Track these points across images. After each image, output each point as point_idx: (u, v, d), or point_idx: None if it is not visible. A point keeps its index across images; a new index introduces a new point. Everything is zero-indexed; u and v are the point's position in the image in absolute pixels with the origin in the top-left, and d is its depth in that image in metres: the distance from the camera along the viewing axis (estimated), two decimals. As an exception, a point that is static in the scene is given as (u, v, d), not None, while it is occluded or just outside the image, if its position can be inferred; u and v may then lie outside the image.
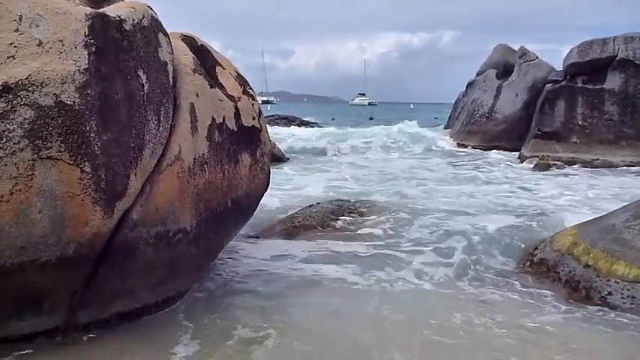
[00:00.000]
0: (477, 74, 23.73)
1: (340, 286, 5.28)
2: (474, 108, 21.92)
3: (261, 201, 5.27)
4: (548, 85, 17.32)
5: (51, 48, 3.17)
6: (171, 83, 3.97)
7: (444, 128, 26.20)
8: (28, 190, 3.07)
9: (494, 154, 17.93)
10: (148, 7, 3.92)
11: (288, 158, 16.10)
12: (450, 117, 26.15)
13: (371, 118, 53.88)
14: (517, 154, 17.39)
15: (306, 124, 33.30)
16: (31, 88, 3.05)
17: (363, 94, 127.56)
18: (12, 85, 3.00)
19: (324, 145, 19.36)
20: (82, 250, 3.35)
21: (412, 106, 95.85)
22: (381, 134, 22.89)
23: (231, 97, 4.62)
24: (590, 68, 16.05)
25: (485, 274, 5.65)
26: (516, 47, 22.27)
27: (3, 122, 2.98)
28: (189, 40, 4.60)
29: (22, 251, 3.13)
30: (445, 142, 21.87)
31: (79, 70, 3.24)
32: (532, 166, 14.94)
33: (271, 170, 5.49)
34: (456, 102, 25.50)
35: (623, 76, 15.43)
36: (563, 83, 16.73)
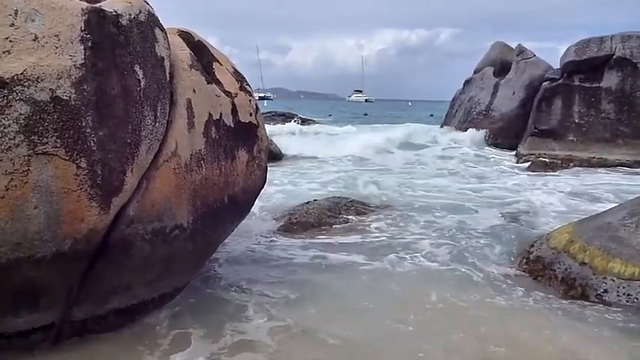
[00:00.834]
0: (475, 72, 23.75)
1: (347, 268, 5.52)
2: (471, 105, 21.95)
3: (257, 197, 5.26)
4: (546, 83, 17.36)
5: (47, 43, 3.15)
6: (167, 79, 3.96)
7: (441, 127, 26.19)
8: (24, 185, 3.05)
9: (490, 152, 18.00)
10: (145, 2, 3.90)
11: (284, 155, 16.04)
12: (447, 114, 26.15)
13: (365, 114, 54.16)
14: (514, 152, 17.46)
15: (304, 121, 33.29)
16: (26, 83, 3.03)
17: (360, 91, 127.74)
18: (7, 80, 2.98)
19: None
20: (78, 246, 3.33)
21: (410, 104, 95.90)
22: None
23: (228, 93, 4.61)
24: (587, 67, 16.08)
25: (481, 272, 5.64)
26: (514, 45, 22.31)
27: (-2, 117, 2.96)
28: (186, 36, 4.58)
29: (18, 247, 3.11)
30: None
31: (75, 65, 3.22)
32: (528, 164, 14.97)
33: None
34: (453, 99, 25.50)
35: (620, 74, 15.47)
36: (560, 81, 16.76)
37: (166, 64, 3.96)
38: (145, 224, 3.75)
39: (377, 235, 7.05)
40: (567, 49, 16.75)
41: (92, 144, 3.28)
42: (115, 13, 3.53)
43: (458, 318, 4.50)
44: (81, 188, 3.24)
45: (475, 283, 5.34)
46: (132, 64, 3.60)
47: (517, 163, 15.94)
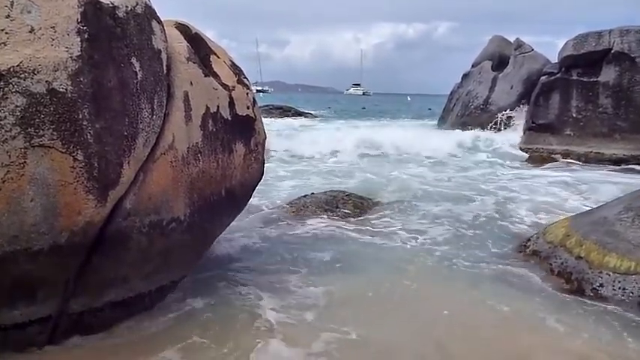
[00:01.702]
0: (473, 66, 23.74)
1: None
2: (469, 100, 21.95)
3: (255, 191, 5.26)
4: (543, 78, 17.35)
5: (43, 35, 3.13)
6: (164, 71, 3.94)
7: (439, 121, 26.18)
8: (20, 178, 3.05)
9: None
10: (142, -6, 3.88)
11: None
12: (444, 108, 26.15)
13: (363, 108, 54.25)
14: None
15: (302, 114, 33.29)
16: (22, 75, 3.02)
17: (358, 85, 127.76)
18: (3, 72, 2.96)
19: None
20: (75, 239, 3.33)
21: (409, 98, 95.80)
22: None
23: (225, 86, 4.59)
24: (585, 61, 16.07)
25: (476, 266, 5.67)
26: (512, 39, 22.29)
27: (-6, 109, 2.95)
28: (183, 28, 4.56)
29: (15, 240, 3.11)
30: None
31: (71, 57, 3.20)
32: (525, 158, 15.00)
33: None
34: (451, 94, 25.50)
35: (617, 69, 15.46)
36: (558, 76, 16.75)
37: (163, 56, 3.94)
38: (142, 217, 3.75)
39: (377, 225, 7.13)
40: (565, 44, 16.74)
41: (89, 136, 3.27)
42: (111, 5, 3.51)
43: (445, 303, 4.64)
44: (77, 181, 3.24)
45: (469, 276, 5.38)
46: (129, 56, 3.58)
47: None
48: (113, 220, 3.57)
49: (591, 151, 15.31)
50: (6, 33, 3.02)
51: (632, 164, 14.19)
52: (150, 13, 3.87)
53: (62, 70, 3.16)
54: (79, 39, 3.25)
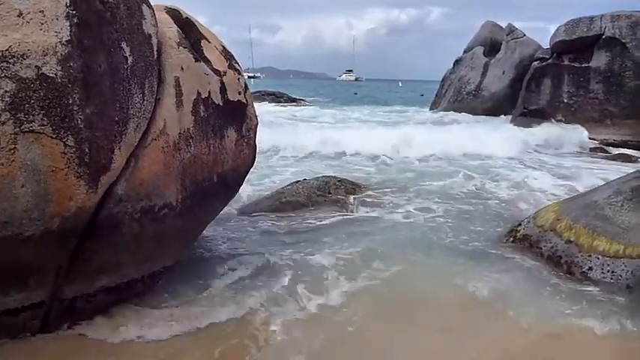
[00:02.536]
0: (465, 51, 23.76)
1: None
2: (461, 85, 21.99)
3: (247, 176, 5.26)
4: (535, 63, 17.40)
5: (32, 19, 3.10)
6: (155, 56, 3.92)
7: (431, 107, 26.20)
8: (11, 164, 3.03)
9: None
10: (132, -22, 3.84)
11: None
12: (437, 94, 26.15)
13: (355, 94, 54.34)
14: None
15: (294, 100, 33.16)
16: (11, 60, 2.99)
17: (351, 71, 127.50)
18: (-8, 57, 2.94)
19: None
20: (67, 225, 3.32)
21: (400, 84, 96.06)
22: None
23: (216, 72, 4.57)
24: (576, 46, 16.11)
25: (466, 251, 5.72)
26: (504, 24, 22.30)
27: (-17, 95, 2.92)
28: (174, 13, 4.52)
29: (6, 226, 3.10)
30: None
31: (60, 41, 3.18)
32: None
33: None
34: (443, 79, 25.50)
35: (609, 54, 15.51)
36: (549, 61, 16.80)
37: (154, 41, 3.91)
38: (134, 203, 3.75)
39: (369, 210, 7.24)
40: (557, 29, 16.76)
41: (79, 122, 3.25)
42: (100, -11, 3.47)
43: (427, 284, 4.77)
44: (68, 167, 3.23)
45: (458, 258, 5.46)
46: (119, 41, 3.56)
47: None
48: (105, 205, 3.57)
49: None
50: (-6, 17, 2.99)
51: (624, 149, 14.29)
52: (140, -3, 3.83)
53: (52, 54, 3.13)
54: (68, 23, 3.22)
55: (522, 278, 4.92)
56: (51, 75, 3.12)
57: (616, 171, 9.52)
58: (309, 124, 20.18)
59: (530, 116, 16.71)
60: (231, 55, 4.92)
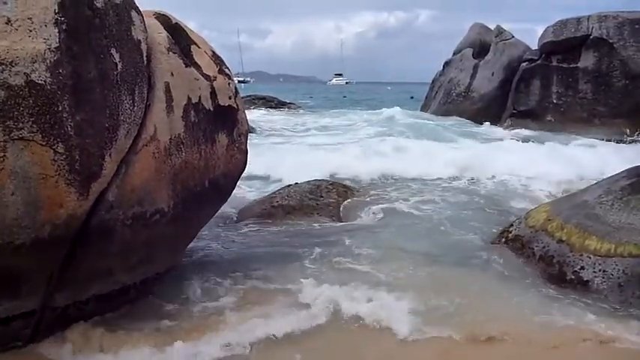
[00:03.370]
0: (454, 53, 23.80)
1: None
2: (451, 87, 22.04)
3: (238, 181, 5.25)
4: (524, 64, 17.51)
5: (20, 26, 3.08)
6: (145, 62, 3.91)
7: (421, 109, 26.25)
8: (0, 172, 3.01)
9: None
10: (120, -16, 3.83)
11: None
12: (427, 96, 26.21)
13: (344, 97, 54.56)
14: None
15: (284, 104, 33.02)
16: (0, 67, 2.97)
17: (340, 75, 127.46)
18: (-20, 65, 2.92)
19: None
20: (58, 232, 3.30)
21: (389, 88, 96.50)
22: None
23: (206, 77, 4.56)
24: (564, 47, 16.24)
25: (459, 252, 5.75)
26: (492, 26, 22.37)
27: (-28, 102, 2.90)
28: (163, 19, 4.51)
29: (-4, 234, 3.08)
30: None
31: (49, 48, 3.16)
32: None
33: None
34: (432, 81, 25.55)
35: (596, 54, 15.63)
36: (538, 62, 16.92)
37: (143, 47, 3.90)
38: (125, 209, 3.73)
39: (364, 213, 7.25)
40: (545, 30, 16.89)
41: (69, 129, 3.24)
42: (89, -5, 3.46)
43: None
44: (59, 174, 3.21)
45: (449, 259, 5.49)
46: (108, 47, 3.55)
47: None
48: (96, 212, 3.55)
49: (571, 137, 15.47)
50: (-18, 25, 2.97)
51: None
52: (129, 3, 3.82)
53: (40, 61, 3.11)
54: (56, 30, 3.21)
55: (512, 279, 4.94)
56: (40, 82, 3.10)
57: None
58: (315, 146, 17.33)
59: (520, 117, 16.79)
60: (222, 60, 4.92)
